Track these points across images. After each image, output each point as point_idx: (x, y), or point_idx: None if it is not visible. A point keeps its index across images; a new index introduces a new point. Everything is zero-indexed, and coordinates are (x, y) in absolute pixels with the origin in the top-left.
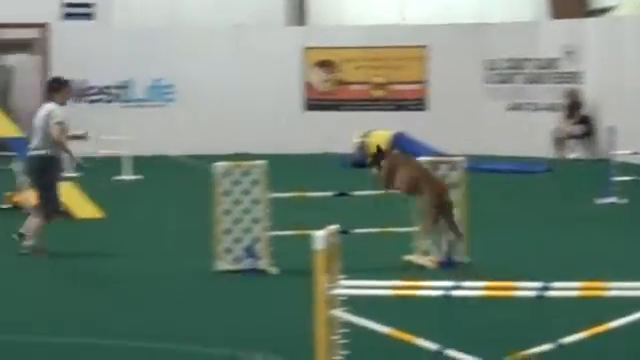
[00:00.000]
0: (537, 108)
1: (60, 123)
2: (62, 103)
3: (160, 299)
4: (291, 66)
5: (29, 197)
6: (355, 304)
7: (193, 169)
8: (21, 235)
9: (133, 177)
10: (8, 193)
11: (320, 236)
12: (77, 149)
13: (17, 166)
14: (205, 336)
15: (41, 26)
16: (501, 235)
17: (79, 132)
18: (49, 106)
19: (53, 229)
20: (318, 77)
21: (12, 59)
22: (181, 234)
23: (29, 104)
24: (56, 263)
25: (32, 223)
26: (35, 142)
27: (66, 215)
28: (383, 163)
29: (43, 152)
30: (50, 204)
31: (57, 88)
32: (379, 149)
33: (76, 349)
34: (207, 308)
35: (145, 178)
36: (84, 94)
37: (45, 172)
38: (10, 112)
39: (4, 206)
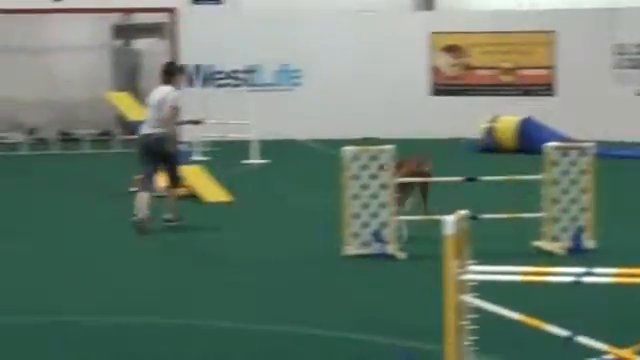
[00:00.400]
0: None
1: (174, 108)
2: (177, 88)
3: (288, 283)
4: (418, 51)
5: (158, 180)
6: (481, 289)
7: (320, 154)
8: (168, 220)
9: (260, 161)
10: (137, 176)
11: (450, 221)
12: (205, 133)
13: None
14: (333, 321)
15: (170, 11)
16: (631, 221)
17: (197, 117)
18: (165, 89)
19: (183, 212)
20: (445, 62)
21: (141, 43)
22: (309, 218)
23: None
24: (185, 247)
25: (170, 204)
26: (150, 123)
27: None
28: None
29: (158, 132)
30: (175, 179)
31: (173, 72)
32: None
33: (209, 331)
34: (335, 292)
35: (272, 162)
36: (211, 79)
37: (161, 151)
38: (139, 96)
39: (133, 189)
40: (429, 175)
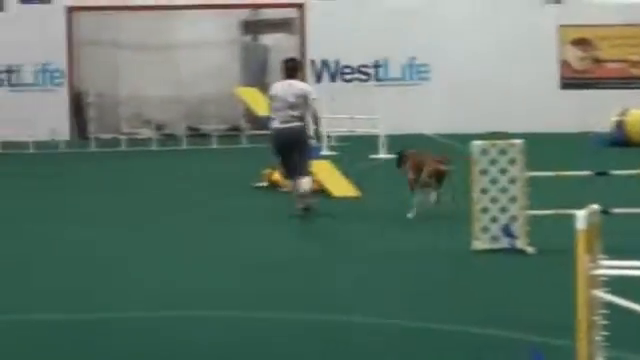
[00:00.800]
0: None
1: (315, 100)
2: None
3: (415, 278)
4: (547, 45)
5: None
6: (612, 285)
7: (448, 148)
8: (306, 209)
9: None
10: (266, 171)
11: (582, 216)
12: (333, 128)
13: None
14: (461, 315)
15: (298, 6)
16: None
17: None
18: (299, 84)
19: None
20: (574, 55)
21: (269, 39)
22: (437, 213)
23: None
24: (313, 240)
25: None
26: (285, 116)
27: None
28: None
29: (296, 125)
30: (305, 171)
31: (297, 68)
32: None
33: (336, 325)
34: (463, 287)
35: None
36: (338, 73)
37: (302, 143)
38: (267, 91)
39: (261, 184)
40: (446, 172)
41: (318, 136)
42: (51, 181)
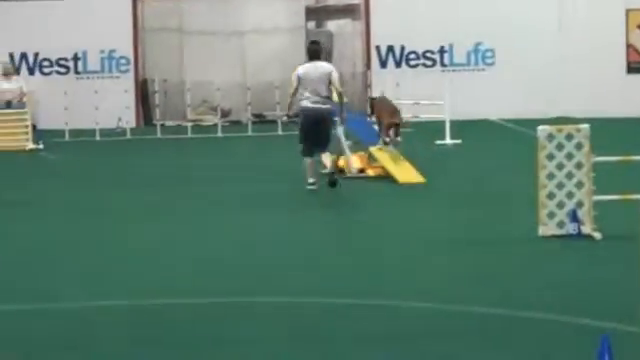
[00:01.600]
0: None
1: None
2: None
3: (482, 264)
4: (614, 29)
5: (350, 161)
6: None
7: (513, 133)
8: (332, 183)
9: (454, 141)
10: (332, 157)
11: None
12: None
13: (339, 131)
14: (527, 301)
15: None
16: None
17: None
18: (325, 65)
19: (375, 193)
20: None
21: (334, 25)
22: (502, 198)
23: (349, 70)
24: (378, 227)
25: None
26: (314, 97)
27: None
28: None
29: (326, 106)
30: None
31: (320, 50)
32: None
33: (404, 311)
34: (530, 273)
35: (464, 142)
36: (403, 59)
37: (327, 121)
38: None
39: (326, 170)
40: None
41: (343, 114)
42: (116, 170)
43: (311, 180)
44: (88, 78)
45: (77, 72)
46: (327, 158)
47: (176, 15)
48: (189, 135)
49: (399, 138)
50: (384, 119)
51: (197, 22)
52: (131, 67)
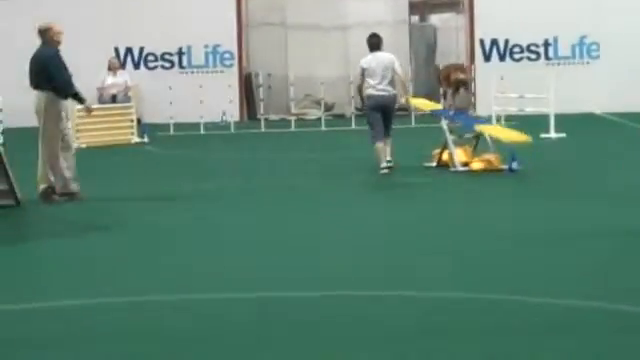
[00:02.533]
0: None
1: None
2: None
3: (577, 258)
4: None
5: (455, 155)
6: None
7: (618, 127)
8: (389, 168)
9: (558, 135)
10: (436, 151)
11: None
12: (502, 107)
13: (444, 124)
14: (625, 295)
15: None
16: None
17: None
18: (388, 55)
19: (478, 186)
20: None
21: (437, 19)
22: (603, 193)
23: (453, 63)
24: (473, 222)
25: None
26: (381, 85)
27: None
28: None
29: (391, 93)
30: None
31: (380, 42)
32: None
33: (503, 305)
34: (627, 268)
35: (568, 136)
36: (508, 52)
37: (392, 108)
38: (435, 71)
39: (431, 164)
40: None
41: (408, 100)
42: (224, 162)
43: (383, 165)
44: (192, 73)
45: (182, 67)
46: (381, 150)
47: (279, 10)
48: (292, 129)
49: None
50: (451, 75)
51: (301, 16)
52: (235, 62)
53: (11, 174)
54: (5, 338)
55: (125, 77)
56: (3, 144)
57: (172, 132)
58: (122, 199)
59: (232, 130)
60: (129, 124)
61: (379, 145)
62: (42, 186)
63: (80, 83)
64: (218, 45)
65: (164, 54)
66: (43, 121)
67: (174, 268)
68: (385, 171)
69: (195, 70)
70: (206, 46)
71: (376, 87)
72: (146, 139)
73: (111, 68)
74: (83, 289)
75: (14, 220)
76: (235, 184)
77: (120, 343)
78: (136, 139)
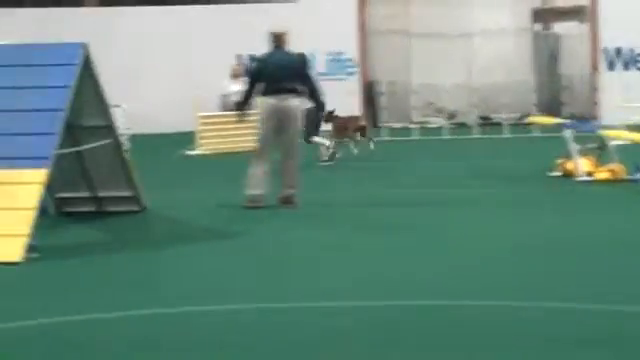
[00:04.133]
0: None
1: None
2: None
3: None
4: None
5: (579, 164)
6: None
7: None
8: None
9: None
10: (559, 160)
11: None
12: (628, 116)
13: (568, 133)
14: None
15: None
16: None
17: None
18: None
19: (607, 196)
20: None
21: (560, 27)
22: None
23: (577, 72)
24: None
25: None
26: None
27: None
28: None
29: None
30: None
31: None
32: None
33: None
34: None
35: None
36: (633, 61)
37: None
38: (559, 81)
39: (555, 173)
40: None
41: None
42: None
43: None
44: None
45: None
46: None
47: (402, 17)
48: (415, 137)
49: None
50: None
51: (423, 24)
52: (357, 69)
53: (136, 180)
54: (127, 342)
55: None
56: (128, 150)
57: None
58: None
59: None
60: (252, 131)
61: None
62: (291, 191)
63: (203, 90)
64: (340, 53)
65: None
66: (296, 126)
67: (302, 276)
68: None
69: (317, 77)
70: (328, 54)
71: None
72: None
73: (234, 76)
74: (205, 296)
75: (139, 226)
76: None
77: (248, 351)
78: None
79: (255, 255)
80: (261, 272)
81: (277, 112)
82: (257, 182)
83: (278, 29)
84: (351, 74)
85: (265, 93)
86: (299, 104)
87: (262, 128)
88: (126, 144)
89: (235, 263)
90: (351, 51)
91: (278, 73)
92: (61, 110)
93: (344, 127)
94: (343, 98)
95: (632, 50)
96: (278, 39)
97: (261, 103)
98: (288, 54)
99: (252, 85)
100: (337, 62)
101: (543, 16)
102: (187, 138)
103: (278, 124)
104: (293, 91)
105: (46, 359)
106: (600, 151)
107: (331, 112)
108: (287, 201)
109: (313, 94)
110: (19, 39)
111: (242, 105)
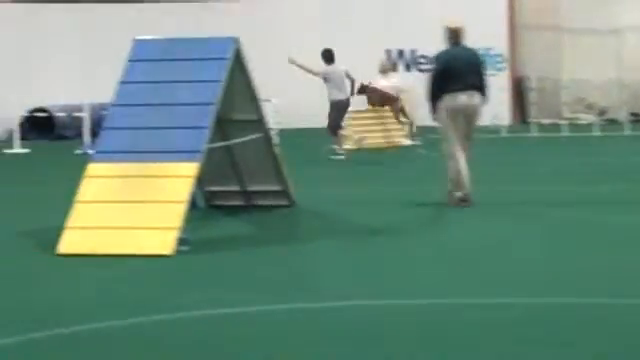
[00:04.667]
0: None
1: None
2: None
3: None
4: None
5: None
6: None
7: None
8: None
9: None
10: None
11: None
12: None
13: None
14: None
15: None
16: None
17: None
18: None
19: None
20: None
21: None
22: None
23: None
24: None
25: None
26: None
27: None
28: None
29: None
30: None
31: None
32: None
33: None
34: None
35: None
36: None
37: None
38: None
39: None
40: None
41: None
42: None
43: None
44: None
45: None
46: None
47: (553, 12)
48: (564, 134)
49: None
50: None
51: (574, 19)
52: (506, 65)
53: (285, 174)
54: (268, 337)
55: (396, 80)
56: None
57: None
58: (392, 199)
59: (503, 134)
60: (401, 127)
61: None
62: (465, 192)
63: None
64: (489, 48)
65: None
66: (476, 123)
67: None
68: None
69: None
70: (477, 49)
71: None
72: (418, 141)
73: (383, 71)
74: (355, 290)
75: (289, 220)
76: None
77: (401, 345)
78: (408, 141)
79: (410, 250)
80: (409, 268)
81: (465, 109)
82: (462, 181)
83: (454, 24)
84: (500, 70)
85: (450, 90)
86: (476, 101)
87: (446, 126)
88: (275, 139)
89: (397, 258)
90: (500, 46)
91: (464, 69)
92: (212, 104)
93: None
94: (492, 94)
95: None
96: (456, 34)
97: (447, 100)
98: (467, 49)
99: (438, 82)
100: (486, 57)
101: None
102: None
103: (464, 120)
104: (477, 87)
105: (202, 351)
106: None
107: (365, 85)
108: (463, 200)
109: (484, 89)
110: (176, 33)
111: (432, 104)
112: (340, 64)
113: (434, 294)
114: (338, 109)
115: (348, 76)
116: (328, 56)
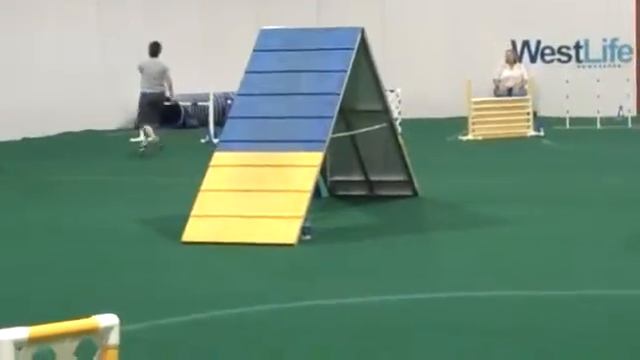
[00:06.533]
0: None
1: None
2: None
3: None
4: None
5: None
6: None
7: None
8: None
9: None
10: None
11: None
12: None
13: None
14: None
15: None
16: None
17: None
18: None
19: None
20: None
21: None
22: None
23: None
24: None
25: None
26: None
27: None
28: None
29: None
30: None
31: None
32: None
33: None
34: None
35: None
36: None
37: None
38: None
39: None
40: None
41: None
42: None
43: None
44: (590, 67)
45: (578, 60)
46: None
47: None
48: None
49: None
50: None
51: None
52: (633, 56)
53: (409, 165)
54: (392, 327)
55: (522, 70)
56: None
57: (568, 126)
58: (515, 192)
59: (629, 125)
60: (525, 117)
61: None
62: None
63: (475, 75)
64: (616, 39)
65: (561, 47)
66: None
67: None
68: None
69: (592, 64)
70: (604, 40)
71: None
72: (542, 132)
73: (508, 61)
74: (474, 281)
75: (413, 210)
76: None
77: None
78: (532, 132)
79: (536, 242)
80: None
81: None
82: None
83: None
84: (626, 61)
85: None
86: None
87: None
88: (399, 128)
89: (517, 250)
90: (627, 37)
91: None
92: (337, 94)
93: None
94: (619, 85)
95: None
96: None
97: None
98: None
99: None
100: (613, 48)
101: None
102: (459, 123)
103: None
104: None
105: (327, 338)
106: None
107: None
108: None
109: None
110: (301, 24)
111: None
112: None
113: (560, 286)
114: None
115: None
116: None
